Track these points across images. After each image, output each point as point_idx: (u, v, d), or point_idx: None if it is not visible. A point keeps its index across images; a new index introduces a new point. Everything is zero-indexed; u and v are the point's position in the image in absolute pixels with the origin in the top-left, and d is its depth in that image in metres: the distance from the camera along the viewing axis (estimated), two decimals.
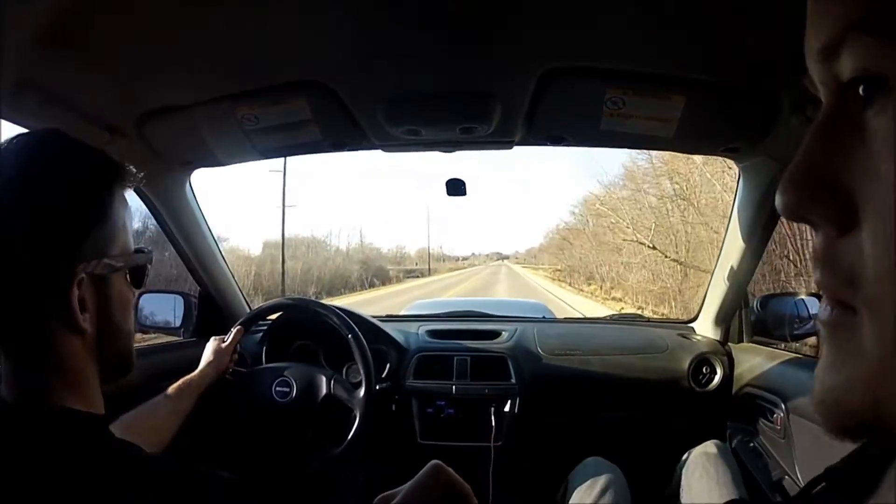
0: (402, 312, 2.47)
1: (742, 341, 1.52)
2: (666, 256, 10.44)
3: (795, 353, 1.35)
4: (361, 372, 1.21)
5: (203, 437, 1.11)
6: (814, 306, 1.34)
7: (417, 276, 37.18)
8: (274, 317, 1.47)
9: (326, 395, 1.19)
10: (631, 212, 12.02)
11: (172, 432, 0.96)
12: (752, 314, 1.50)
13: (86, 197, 0.49)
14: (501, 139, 1.06)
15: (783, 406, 1.17)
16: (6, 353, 0.47)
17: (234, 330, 1.20)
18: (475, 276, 35.04)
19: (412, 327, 1.70)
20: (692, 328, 1.68)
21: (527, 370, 1.52)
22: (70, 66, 0.74)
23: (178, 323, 1.35)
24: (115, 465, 0.46)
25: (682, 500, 1.15)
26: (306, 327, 1.32)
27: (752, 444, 1.32)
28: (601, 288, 15.43)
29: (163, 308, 1.36)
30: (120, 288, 0.53)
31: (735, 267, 1.38)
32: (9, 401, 0.46)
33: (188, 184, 1.17)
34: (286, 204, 19.63)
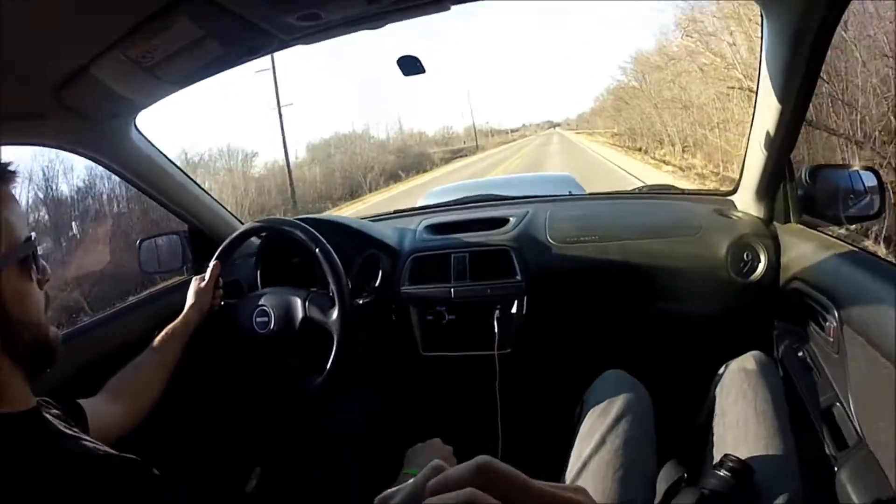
0: (418, 203, 2.31)
1: (789, 221, 1.24)
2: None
3: (851, 244, 1.06)
4: (333, 289, 1.11)
5: (193, 382, 1.12)
6: (870, 180, 1.11)
7: (464, 156, 34.95)
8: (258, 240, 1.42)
9: (303, 318, 1.13)
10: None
11: (161, 386, 0.98)
12: (798, 188, 1.21)
13: None
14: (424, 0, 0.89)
15: (836, 314, 0.94)
16: None
17: (210, 266, 1.17)
18: (526, 147, 32.12)
19: (413, 223, 1.55)
20: (732, 202, 1.41)
21: (533, 263, 1.33)
22: None
23: (178, 263, 1.38)
24: (41, 462, 0.50)
25: (715, 428, 0.97)
26: (296, 245, 1.24)
27: (801, 353, 1.09)
28: (674, 151, 13.01)
29: (164, 251, 1.40)
30: (12, 284, 0.53)
31: (771, 131, 1.10)
32: None
33: (132, 132, 1.13)
34: (283, 105, 17.97)
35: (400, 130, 36.89)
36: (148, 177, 1.23)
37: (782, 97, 1.03)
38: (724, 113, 9.87)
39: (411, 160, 27.66)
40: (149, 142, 1.19)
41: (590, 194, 1.91)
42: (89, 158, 1.08)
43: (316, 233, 1.15)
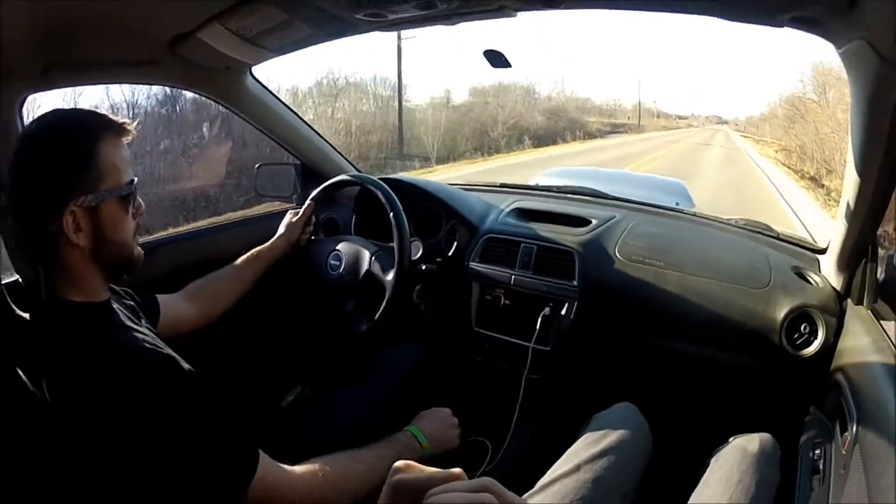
0: (534, 179, 2.30)
1: (862, 303, 1.10)
2: None
3: None
4: (395, 253, 1.19)
5: (265, 302, 1.26)
6: None
7: (623, 132, 32.97)
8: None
9: (367, 271, 1.23)
10: None
11: (234, 297, 1.14)
12: (882, 269, 1.07)
13: (70, 154, 0.70)
14: (486, 7, 0.90)
15: (854, 427, 0.84)
16: (40, 265, 0.72)
17: (306, 203, 1.31)
18: (686, 140, 28.08)
19: (506, 201, 1.58)
20: (818, 261, 1.29)
21: (593, 273, 1.33)
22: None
23: (289, 192, 1.53)
24: (93, 347, 0.68)
25: (693, 497, 0.93)
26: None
27: (818, 451, 1.00)
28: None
29: (278, 178, 1.57)
30: (111, 211, 0.72)
31: (853, 203, 0.98)
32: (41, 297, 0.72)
33: (247, 80, 1.29)
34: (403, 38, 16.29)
35: (562, 91, 34.97)
36: (263, 118, 1.39)
37: (864, 169, 0.92)
38: None
39: (563, 124, 25.67)
40: (265, 88, 1.35)
41: (688, 212, 1.78)
42: (208, 98, 1.29)
43: (394, 196, 1.23)
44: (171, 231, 1.41)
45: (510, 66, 1.17)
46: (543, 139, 22.24)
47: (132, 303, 0.87)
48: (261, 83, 1.35)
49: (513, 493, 0.30)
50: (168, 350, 0.72)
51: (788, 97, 19.84)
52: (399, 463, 0.36)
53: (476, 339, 1.44)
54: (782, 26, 0.82)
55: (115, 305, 0.77)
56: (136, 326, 0.76)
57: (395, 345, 1.38)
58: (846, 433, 0.88)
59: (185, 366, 0.69)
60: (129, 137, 0.75)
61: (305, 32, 1.04)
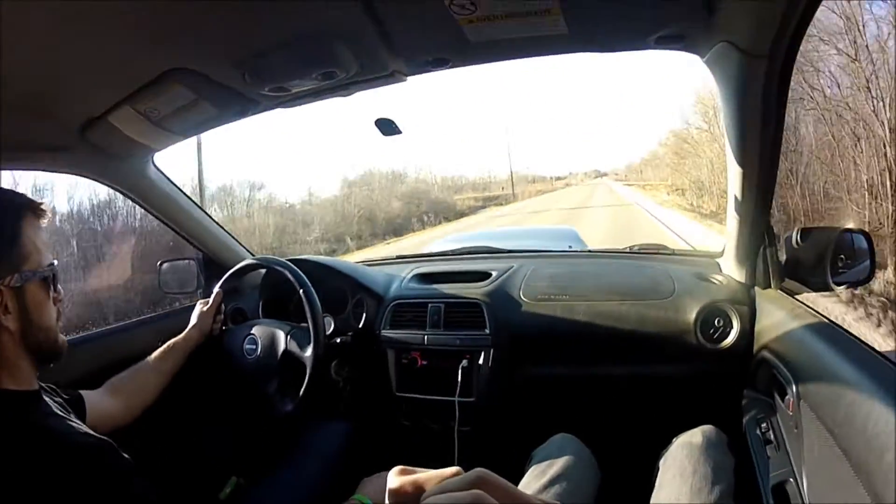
0: (429, 248, 2.39)
1: (770, 286, 1.20)
2: None
3: (822, 315, 1.02)
4: (310, 329, 1.21)
5: (186, 393, 1.23)
6: (861, 243, 1.08)
7: (498, 204, 31.82)
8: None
9: (284, 350, 1.23)
10: None
11: (156, 391, 1.12)
12: (784, 251, 1.17)
13: None
14: (380, 74, 1.02)
15: (794, 388, 0.91)
16: None
17: (214, 293, 1.31)
18: (557, 205, 24.61)
19: (406, 270, 1.63)
20: (717, 265, 1.40)
21: (503, 318, 1.37)
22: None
23: (192, 287, 1.52)
24: (30, 433, 0.64)
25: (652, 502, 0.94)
26: (291, 283, 1.32)
27: (764, 425, 1.06)
28: None
29: (181, 273, 1.55)
30: (35, 293, 0.70)
31: (740, 196, 1.09)
32: None
33: (150, 169, 1.31)
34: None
35: (425, 173, 34.17)
36: (164, 207, 1.40)
37: (745, 163, 1.03)
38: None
39: (427, 208, 24.07)
40: (166, 177, 1.37)
41: (584, 251, 1.92)
42: (111, 188, 1.28)
43: (303, 276, 1.26)
44: (86, 332, 1.36)
45: (400, 132, 1.23)
46: (399, 229, 20.50)
47: (59, 399, 0.84)
48: (163, 172, 1.36)
49: (507, 482, 0.30)
50: (104, 437, 0.70)
51: (675, 132, 19.13)
52: (395, 469, 0.36)
53: (400, 404, 1.45)
54: (649, 48, 0.93)
55: (45, 398, 0.75)
56: (67, 417, 0.75)
57: (321, 423, 1.36)
58: (787, 397, 0.95)
59: (124, 454, 0.68)
60: (46, 221, 0.75)
61: (211, 113, 1.10)
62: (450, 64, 1.01)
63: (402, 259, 1.92)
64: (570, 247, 2.10)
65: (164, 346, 1.19)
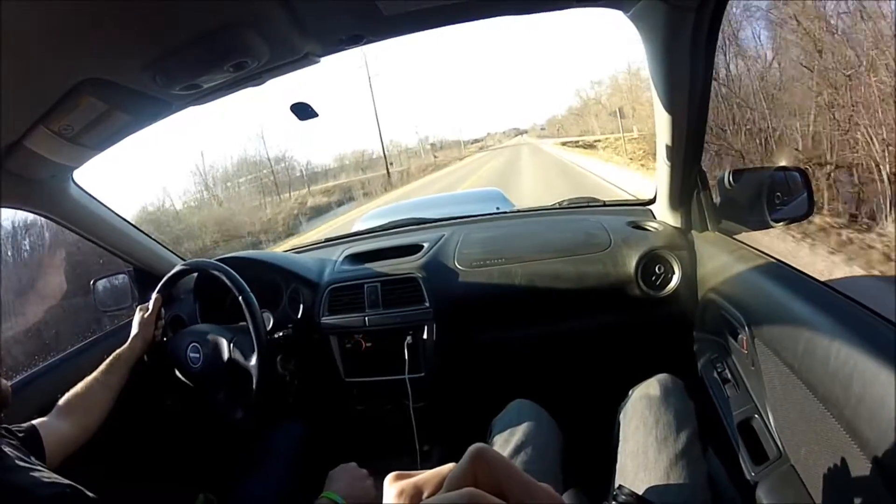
0: (355, 226, 2.32)
1: (707, 230, 1.20)
2: None
3: (765, 254, 1.03)
4: (252, 336, 1.17)
5: (135, 406, 1.19)
6: (797, 181, 1.08)
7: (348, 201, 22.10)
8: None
9: (229, 359, 1.20)
10: None
11: (107, 406, 1.09)
12: (718, 194, 1.17)
13: None
14: (293, 58, 1.01)
15: (747, 328, 0.92)
16: None
17: (152, 299, 1.27)
18: (472, 174, 19.79)
19: (335, 252, 1.60)
20: (651, 212, 1.40)
21: (441, 290, 1.36)
22: None
23: (129, 301, 1.48)
24: None
25: (619, 457, 0.92)
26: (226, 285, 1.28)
27: (719, 366, 1.06)
28: None
29: (115, 289, 1.51)
30: None
31: (670, 142, 1.09)
32: None
33: (71, 188, 1.27)
34: None
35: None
36: (89, 225, 1.35)
37: (675, 111, 1.04)
38: None
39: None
40: (88, 194, 1.32)
41: (513, 211, 1.90)
42: (35, 214, 1.23)
43: (238, 278, 1.22)
44: (31, 370, 1.29)
45: (317, 115, 1.21)
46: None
47: (14, 441, 0.82)
48: (83, 189, 1.33)
49: (504, 458, 0.29)
50: (67, 481, 0.70)
51: (631, 71, 17.64)
52: (391, 475, 0.34)
53: (351, 390, 1.43)
54: (571, 6, 0.92)
55: (2, 448, 0.73)
56: (29, 465, 0.73)
57: (277, 424, 1.33)
58: (740, 336, 0.96)
59: (89, 494, 0.68)
60: None
61: (125, 120, 1.08)
62: (364, 40, 1.00)
63: (331, 241, 1.89)
64: (497, 208, 2.08)
65: (110, 358, 1.18)
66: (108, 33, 0.79)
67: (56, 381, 1.23)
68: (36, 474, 0.70)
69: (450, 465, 0.30)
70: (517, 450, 0.95)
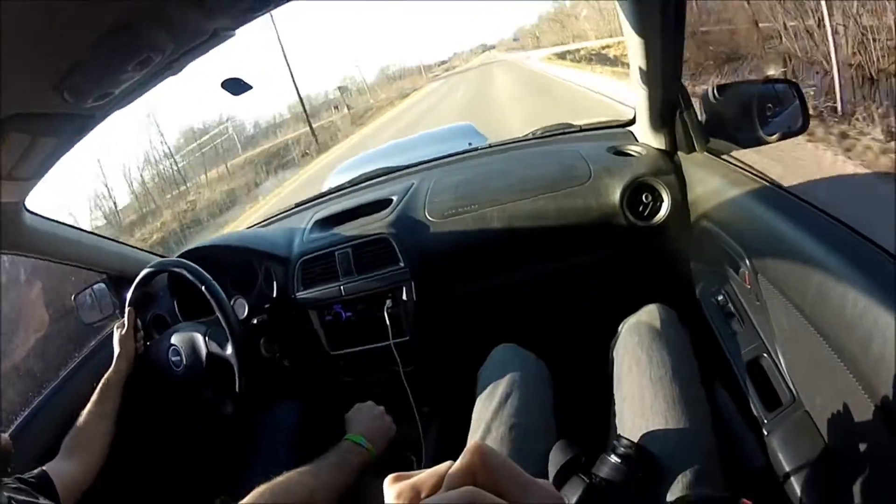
0: (325, 184, 2.17)
1: (693, 150, 1.10)
2: None
3: (759, 176, 0.94)
4: (223, 324, 1.14)
5: (138, 428, 1.18)
6: (789, 93, 1.00)
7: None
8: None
9: (207, 353, 1.17)
10: None
11: (109, 436, 1.08)
12: (703, 111, 1.07)
13: None
14: (202, 39, 0.96)
15: (748, 262, 0.85)
16: None
17: (126, 312, 1.24)
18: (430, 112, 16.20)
19: (304, 219, 1.51)
20: (631, 133, 1.30)
21: (414, 247, 1.28)
22: None
23: (112, 308, 1.44)
24: None
25: (615, 400, 0.87)
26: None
27: (721, 297, 0.98)
28: None
29: (97, 300, 1.48)
30: None
31: (645, 58, 0.98)
32: None
33: (24, 217, 1.21)
34: None
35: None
36: (54, 249, 1.30)
37: (647, 29, 0.95)
38: None
39: None
40: (43, 217, 1.27)
41: (485, 147, 1.75)
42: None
43: (200, 269, 1.18)
44: (23, 415, 1.29)
45: (251, 87, 1.12)
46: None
47: (25, 487, 0.84)
48: (37, 214, 1.30)
49: (505, 457, 0.28)
50: None
51: None
52: (390, 476, 0.33)
53: (337, 362, 1.40)
54: None
55: (14, 498, 0.75)
56: None
57: (272, 408, 1.31)
58: (741, 270, 0.88)
59: None
60: None
61: (52, 144, 1.03)
62: (274, 3, 0.92)
63: (301, 206, 1.80)
64: (469, 144, 1.94)
65: (99, 386, 1.17)
66: (9, 67, 0.75)
67: (52, 417, 1.23)
68: None
69: (448, 464, 0.30)
70: (501, 403, 0.91)
